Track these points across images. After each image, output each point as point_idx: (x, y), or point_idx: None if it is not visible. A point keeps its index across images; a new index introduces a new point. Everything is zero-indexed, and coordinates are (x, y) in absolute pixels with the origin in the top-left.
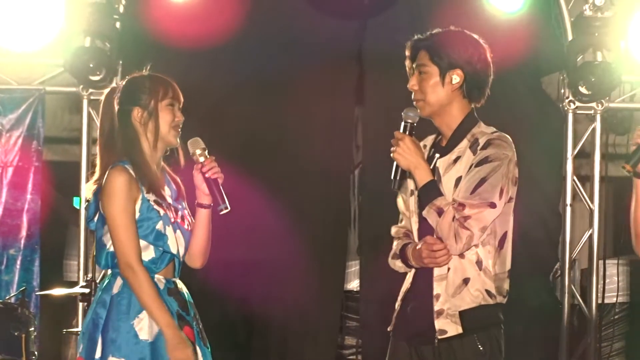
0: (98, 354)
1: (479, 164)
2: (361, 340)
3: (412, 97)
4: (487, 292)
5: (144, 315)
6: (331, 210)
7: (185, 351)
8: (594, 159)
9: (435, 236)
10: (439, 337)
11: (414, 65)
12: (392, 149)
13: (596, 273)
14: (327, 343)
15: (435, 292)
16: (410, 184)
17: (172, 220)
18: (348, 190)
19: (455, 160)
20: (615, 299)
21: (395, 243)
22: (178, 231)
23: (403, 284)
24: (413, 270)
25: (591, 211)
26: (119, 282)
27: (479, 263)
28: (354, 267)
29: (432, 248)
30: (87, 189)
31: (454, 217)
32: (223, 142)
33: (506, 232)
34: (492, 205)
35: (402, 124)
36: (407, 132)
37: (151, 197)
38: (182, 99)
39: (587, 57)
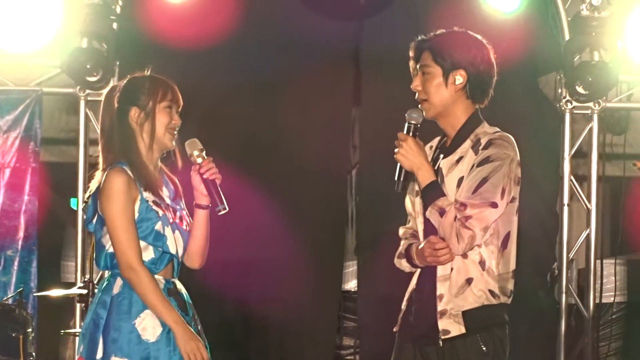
0: (99, 354)
1: (481, 163)
2: (359, 340)
3: (416, 97)
4: (491, 292)
5: (145, 315)
6: (329, 211)
7: (197, 344)
8: (591, 159)
9: (439, 236)
10: (443, 337)
11: (417, 66)
12: (395, 150)
13: (593, 273)
14: (325, 343)
15: (438, 293)
16: (416, 185)
17: (171, 220)
18: (345, 190)
19: (458, 161)
20: (612, 298)
21: (402, 243)
22: (177, 231)
23: (401, 283)
24: (418, 271)
25: (588, 211)
26: (119, 282)
27: (482, 263)
28: (351, 267)
29: (435, 247)
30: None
31: (455, 217)
32: (220, 143)
33: (509, 232)
34: (494, 205)
35: (406, 125)
36: (411, 133)
37: (150, 197)
38: (181, 103)
39: (584, 56)
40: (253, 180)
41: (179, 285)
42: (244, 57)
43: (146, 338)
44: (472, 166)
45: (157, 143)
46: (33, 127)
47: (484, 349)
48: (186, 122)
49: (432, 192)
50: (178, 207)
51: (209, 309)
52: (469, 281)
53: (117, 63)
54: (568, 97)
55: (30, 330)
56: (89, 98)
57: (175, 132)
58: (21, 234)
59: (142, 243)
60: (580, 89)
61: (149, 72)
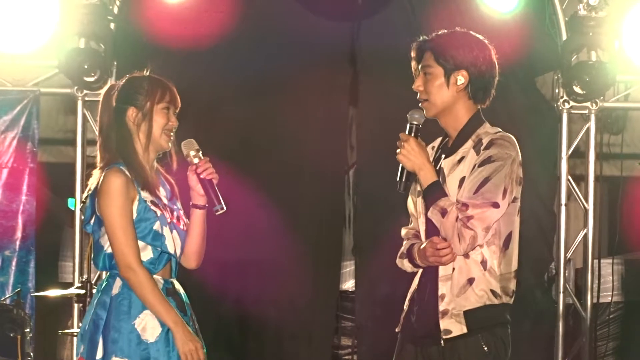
0: (99, 355)
1: (482, 164)
2: (356, 340)
3: (418, 97)
4: (492, 292)
5: (144, 315)
6: (326, 211)
7: (196, 345)
8: (589, 159)
9: (440, 236)
10: (444, 337)
11: (419, 67)
12: (397, 150)
13: (591, 272)
14: (323, 343)
15: (440, 292)
16: (418, 185)
17: (169, 220)
18: (343, 190)
19: (460, 161)
20: (610, 298)
21: (404, 243)
22: (174, 231)
23: (398, 283)
24: (420, 271)
25: (586, 211)
26: (118, 283)
27: (483, 263)
28: (349, 267)
29: (437, 247)
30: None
31: (457, 217)
32: (217, 143)
33: (511, 233)
34: (495, 205)
35: (408, 125)
36: (412, 134)
37: (148, 197)
38: (179, 104)
39: (581, 56)
40: (250, 180)
41: (177, 285)
42: (241, 58)
43: (145, 338)
44: (474, 166)
45: (154, 144)
46: (31, 128)
47: (486, 349)
48: (183, 122)
49: (434, 193)
50: (175, 207)
51: (207, 309)
52: (470, 281)
53: (115, 63)
54: (565, 97)
55: (28, 330)
56: (86, 98)
57: (172, 134)
58: (19, 234)
59: (141, 243)
60: (577, 89)
61: (147, 73)
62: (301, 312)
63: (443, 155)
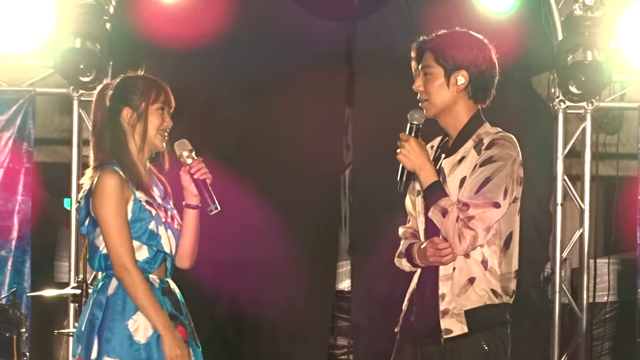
0: (94, 355)
1: (483, 164)
2: (352, 340)
3: (418, 97)
4: (493, 291)
5: (138, 316)
6: (322, 210)
7: (183, 352)
8: (585, 159)
9: (440, 236)
10: (445, 336)
11: (419, 67)
12: (397, 150)
13: (587, 272)
14: (319, 343)
15: (440, 292)
16: (417, 185)
17: (163, 220)
18: (339, 190)
19: (460, 161)
20: (606, 298)
21: (402, 243)
22: (169, 230)
23: (394, 283)
24: (419, 271)
25: (582, 210)
26: (114, 283)
27: (484, 263)
28: (345, 267)
29: (438, 247)
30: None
31: (458, 217)
32: (213, 143)
33: (512, 233)
34: (496, 205)
35: (408, 125)
36: (413, 134)
37: (142, 197)
38: (173, 104)
39: (577, 56)
40: (246, 180)
41: (173, 285)
42: (237, 57)
43: (137, 339)
44: (475, 166)
45: (148, 144)
46: (26, 128)
47: (486, 348)
48: (179, 122)
49: (435, 193)
50: (168, 206)
51: (203, 309)
52: (471, 280)
53: (110, 63)
54: (561, 97)
55: (23, 330)
56: (82, 98)
57: (166, 134)
58: (15, 234)
59: (137, 243)
60: (573, 89)
61: (142, 72)
62: (297, 311)
63: (443, 155)
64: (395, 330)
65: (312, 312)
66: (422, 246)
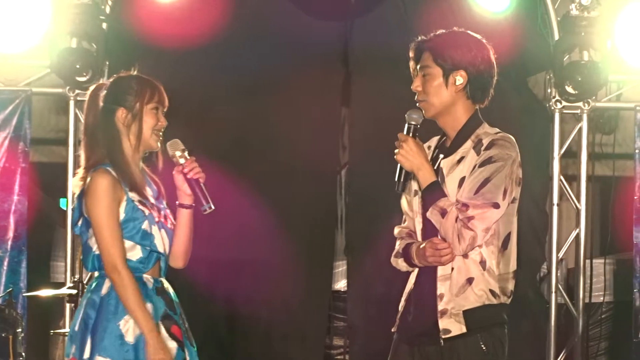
0: (87, 354)
1: (483, 164)
2: (348, 340)
3: (416, 98)
4: (491, 292)
5: (130, 316)
6: (318, 211)
7: (166, 357)
8: (581, 159)
9: (439, 236)
10: (443, 336)
11: (417, 67)
12: (395, 150)
13: (583, 272)
14: (315, 343)
15: (439, 292)
16: (414, 185)
17: (157, 219)
18: (335, 190)
19: (459, 161)
20: (602, 298)
21: (398, 243)
22: (163, 230)
23: (391, 283)
24: (416, 271)
25: (578, 211)
26: (107, 283)
27: (482, 263)
28: (341, 267)
29: (437, 247)
30: (74, 185)
31: (457, 217)
32: (209, 143)
33: (510, 233)
34: (496, 206)
35: (406, 125)
36: (411, 134)
37: (135, 197)
38: (167, 103)
39: (573, 56)
40: (242, 180)
41: (167, 284)
42: (233, 57)
43: (128, 340)
44: (474, 167)
45: (143, 144)
46: (22, 127)
47: (484, 348)
48: (175, 122)
49: (433, 193)
50: (162, 206)
51: (199, 309)
52: (469, 281)
53: (107, 63)
54: (557, 97)
55: (19, 330)
56: (78, 98)
57: (161, 134)
58: (10, 234)
59: (130, 242)
60: (569, 89)
61: (135, 72)
62: (293, 311)
63: (441, 155)
64: (392, 330)
65: (309, 312)
66: (421, 246)
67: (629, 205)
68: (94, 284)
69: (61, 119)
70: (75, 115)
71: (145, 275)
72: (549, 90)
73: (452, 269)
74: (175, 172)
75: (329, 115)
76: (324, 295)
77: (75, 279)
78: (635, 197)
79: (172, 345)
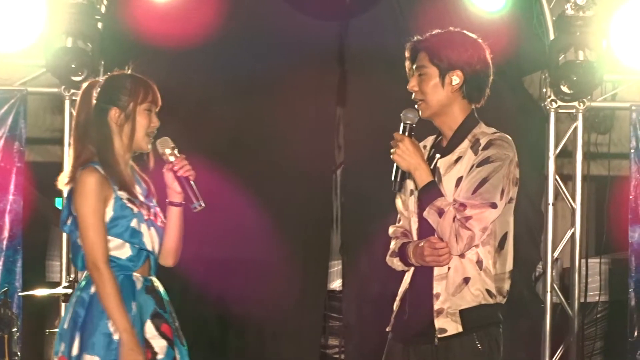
0: (75, 352)
1: (481, 164)
2: (344, 339)
3: (412, 97)
4: (488, 291)
5: None
6: (314, 210)
7: (139, 357)
8: (576, 158)
9: (435, 236)
10: (439, 336)
11: (413, 67)
12: (391, 150)
13: (578, 272)
14: (311, 342)
15: (435, 292)
16: (409, 184)
17: (146, 217)
18: (330, 190)
19: (457, 161)
20: (597, 297)
21: (393, 242)
22: (152, 228)
23: (386, 283)
24: (411, 270)
25: (573, 210)
26: None
27: (479, 263)
28: (336, 266)
29: (435, 246)
30: (60, 181)
31: (454, 217)
32: (205, 142)
33: (507, 233)
34: (493, 206)
35: (402, 125)
36: (407, 133)
37: (124, 195)
38: (160, 103)
39: (568, 56)
40: (238, 180)
41: (156, 283)
42: (228, 57)
43: (116, 338)
44: (472, 166)
45: (135, 145)
46: (18, 127)
47: (480, 347)
48: (171, 122)
49: (430, 192)
50: (151, 204)
51: (194, 309)
52: (466, 280)
53: (102, 62)
54: (553, 97)
55: (15, 329)
56: (73, 98)
57: (152, 135)
58: (6, 233)
59: (119, 241)
60: (565, 88)
61: (129, 70)
62: (289, 311)
63: (437, 155)
64: (387, 329)
65: (304, 312)
66: (419, 245)
67: (624, 205)
68: (83, 282)
69: (56, 118)
70: (71, 114)
71: (135, 274)
72: (544, 90)
73: (449, 268)
74: (165, 169)
75: (324, 115)
76: (319, 294)
77: (71, 279)
78: (631, 197)
79: (162, 343)
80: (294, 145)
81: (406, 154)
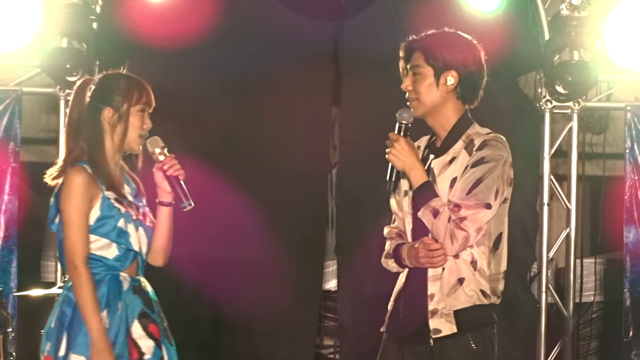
0: (62, 352)
1: (475, 164)
2: (339, 339)
3: (406, 97)
4: (482, 292)
5: (105, 315)
6: (309, 210)
7: (107, 359)
8: (571, 158)
9: (430, 237)
10: (434, 336)
11: (407, 66)
12: (386, 150)
13: (573, 272)
14: (306, 342)
15: (429, 292)
16: (403, 185)
17: (134, 217)
18: (325, 190)
19: (451, 161)
20: (592, 297)
21: (388, 243)
22: (140, 228)
23: (381, 283)
24: (406, 271)
25: (568, 210)
26: None
27: (473, 263)
28: (331, 266)
29: (430, 247)
30: (48, 175)
31: (449, 218)
32: (200, 142)
33: (501, 233)
34: (488, 206)
35: (397, 125)
36: (402, 133)
37: (111, 195)
38: (153, 104)
39: (563, 56)
40: (233, 180)
41: (144, 283)
42: (224, 57)
43: None
44: (466, 167)
45: (126, 145)
46: (13, 127)
47: (475, 347)
48: (166, 122)
49: (425, 193)
50: (140, 203)
51: (190, 309)
52: (460, 281)
53: (97, 63)
54: (548, 97)
55: (10, 330)
56: (68, 98)
57: (144, 137)
58: (1, 233)
59: (106, 240)
60: (560, 89)
61: (124, 70)
62: (284, 311)
63: (431, 155)
64: (382, 329)
65: (299, 312)
66: (414, 247)
67: (619, 205)
68: (70, 282)
69: (51, 118)
70: (66, 114)
71: (122, 274)
72: (539, 90)
73: (443, 269)
74: (155, 169)
75: (319, 115)
76: (314, 294)
77: (66, 279)
78: (626, 197)
79: (149, 343)
80: (289, 145)
81: (401, 154)
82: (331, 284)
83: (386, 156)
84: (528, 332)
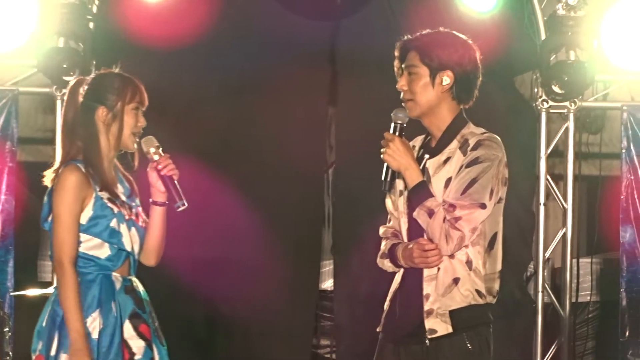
0: (53, 351)
1: (470, 164)
2: (335, 339)
3: (401, 97)
4: (478, 292)
5: (97, 314)
6: (305, 210)
7: (85, 359)
8: (567, 158)
9: (425, 236)
10: (429, 336)
11: (403, 66)
12: (382, 150)
13: (569, 272)
14: (302, 342)
15: (425, 292)
16: (398, 185)
17: (127, 217)
18: (322, 190)
19: (445, 161)
20: (588, 297)
21: (383, 243)
22: (133, 228)
23: (377, 283)
24: (402, 271)
25: (564, 210)
26: None
27: (469, 263)
28: (328, 266)
29: (424, 248)
30: (47, 177)
31: (444, 218)
32: (196, 142)
33: (496, 233)
34: (483, 206)
35: (392, 124)
36: (397, 133)
37: (104, 194)
38: (146, 102)
39: (560, 56)
40: (229, 180)
41: (136, 283)
42: (220, 57)
43: (94, 337)
44: (461, 167)
45: (122, 144)
46: (10, 127)
47: (470, 347)
48: (162, 122)
49: (420, 193)
50: (133, 204)
51: (186, 309)
52: (455, 281)
53: (94, 62)
54: (544, 97)
55: (7, 329)
56: (65, 98)
57: (139, 135)
58: None
59: (98, 240)
60: (556, 89)
61: (117, 69)
62: (280, 311)
63: (426, 155)
64: (378, 329)
65: (296, 312)
66: (408, 247)
67: (616, 205)
68: None
69: (48, 118)
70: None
71: (114, 274)
72: (535, 90)
73: (438, 269)
74: (149, 169)
75: (315, 115)
76: (311, 294)
77: None
78: (622, 197)
79: (140, 344)
80: (286, 145)
81: (397, 154)
82: (327, 284)
83: (381, 156)
84: (524, 332)
